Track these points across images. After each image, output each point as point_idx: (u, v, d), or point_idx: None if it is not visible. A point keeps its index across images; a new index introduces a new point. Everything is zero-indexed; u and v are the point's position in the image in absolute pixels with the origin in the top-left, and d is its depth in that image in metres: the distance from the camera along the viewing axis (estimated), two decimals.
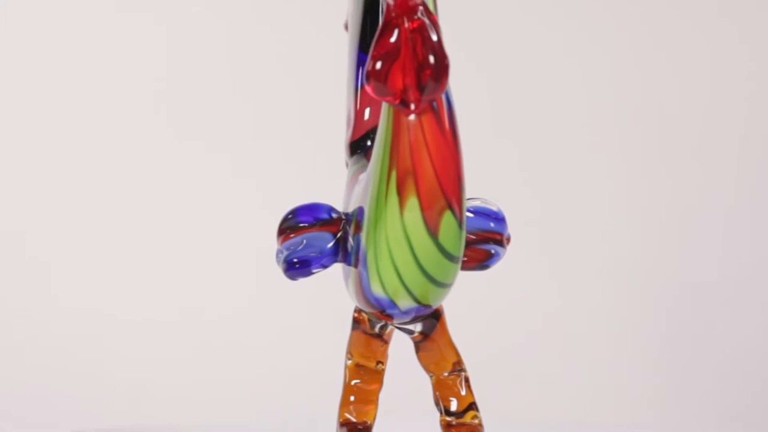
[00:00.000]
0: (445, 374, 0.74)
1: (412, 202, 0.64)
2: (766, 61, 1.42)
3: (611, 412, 1.30)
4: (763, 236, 1.39)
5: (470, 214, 0.71)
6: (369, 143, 0.77)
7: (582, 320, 1.37)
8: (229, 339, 1.33)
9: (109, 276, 1.35)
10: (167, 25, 1.40)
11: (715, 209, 1.40)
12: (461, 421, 0.74)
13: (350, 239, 0.69)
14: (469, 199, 0.68)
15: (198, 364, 1.31)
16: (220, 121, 1.39)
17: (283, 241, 0.71)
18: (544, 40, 1.42)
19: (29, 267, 1.34)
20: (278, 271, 0.72)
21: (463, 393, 0.75)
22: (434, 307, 0.70)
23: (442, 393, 0.75)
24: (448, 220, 0.64)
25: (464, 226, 0.66)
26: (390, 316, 0.69)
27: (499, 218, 0.73)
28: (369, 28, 0.79)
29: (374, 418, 0.75)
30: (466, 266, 0.70)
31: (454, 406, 0.74)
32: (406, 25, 0.62)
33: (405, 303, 0.67)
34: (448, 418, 0.74)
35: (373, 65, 0.62)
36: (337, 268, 0.72)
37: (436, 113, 0.63)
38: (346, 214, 0.71)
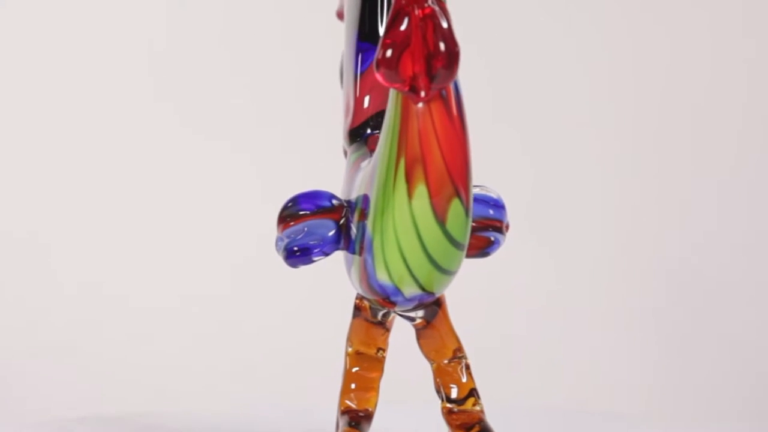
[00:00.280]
0: (446, 361, 0.75)
1: (421, 190, 0.64)
2: (764, 56, 1.42)
3: (611, 399, 1.31)
4: (762, 220, 1.39)
5: None
6: (369, 131, 0.77)
7: (582, 308, 1.37)
8: (228, 326, 1.33)
9: (108, 262, 1.35)
10: (167, 11, 1.40)
11: (715, 194, 1.40)
12: (462, 408, 0.74)
13: (353, 227, 0.69)
14: None
15: (197, 351, 1.31)
16: (220, 109, 1.39)
17: (284, 228, 0.71)
18: (544, 25, 1.42)
19: (29, 253, 1.34)
20: (278, 258, 0.72)
21: (464, 380, 0.75)
22: (438, 294, 0.70)
23: (443, 380, 0.75)
24: (455, 207, 0.65)
25: (471, 214, 0.66)
26: (393, 303, 0.69)
27: (499, 205, 0.73)
28: (368, 16, 0.79)
29: (375, 406, 0.75)
30: (466, 254, 0.70)
31: (454, 393, 0.75)
32: (417, 12, 0.62)
33: (410, 290, 0.67)
34: (449, 405, 0.75)
35: (384, 53, 0.62)
36: (338, 255, 0.72)
37: (444, 100, 0.63)
38: (349, 202, 0.71)
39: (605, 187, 1.40)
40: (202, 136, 1.38)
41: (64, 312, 1.32)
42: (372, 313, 0.74)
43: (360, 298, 0.74)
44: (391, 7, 0.63)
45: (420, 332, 0.74)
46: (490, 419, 0.74)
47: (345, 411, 0.74)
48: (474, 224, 0.71)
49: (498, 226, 0.73)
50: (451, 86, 0.63)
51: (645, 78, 1.42)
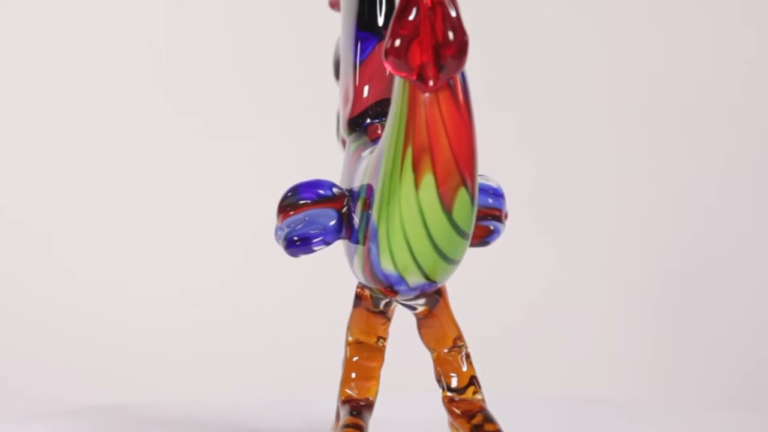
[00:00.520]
0: (446, 350, 0.75)
1: (428, 179, 0.64)
2: (765, 56, 1.42)
3: (612, 387, 1.31)
4: (760, 208, 1.39)
5: None
6: (369, 120, 0.77)
7: (582, 296, 1.37)
8: (228, 316, 1.33)
9: (108, 252, 1.35)
10: (167, 3, 1.40)
11: (714, 180, 1.40)
12: (463, 396, 0.74)
13: (355, 216, 0.69)
14: None
15: (197, 341, 1.32)
16: (219, 100, 1.39)
17: (284, 218, 0.71)
18: (541, 13, 1.42)
19: (28, 245, 1.34)
20: (279, 247, 0.71)
21: (464, 369, 0.75)
22: (441, 283, 0.70)
23: (443, 369, 0.75)
24: (462, 196, 0.65)
25: (476, 203, 0.66)
26: (396, 292, 0.69)
27: (498, 194, 0.73)
28: (367, 5, 0.79)
29: (376, 395, 0.75)
30: None
31: (455, 382, 0.74)
32: (426, 1, 0.62)
33: (414, 279, 0.68)
34: (449, 394, 0.74)
35: (392, 43, 0.62)
36: (337, 244, 0.72)
37: (452, 89, 0.63)
38: (350, 191, 0.71)
39: (606, 176, 1.40)
40: (202, 126, 1.38)
41: (64, 301, 1.32)
42: (373, 303, 0.74)
43: (361, 287, 0.74)
44: None
45: (421, 321, 0.74)
46: (491, 407, 0.74)
47: (346, 400, 0.74)
48: None
49: (497, 215, 0.73)
50: (458, 75, 0.63)
51: (648, 68, 1.42)
